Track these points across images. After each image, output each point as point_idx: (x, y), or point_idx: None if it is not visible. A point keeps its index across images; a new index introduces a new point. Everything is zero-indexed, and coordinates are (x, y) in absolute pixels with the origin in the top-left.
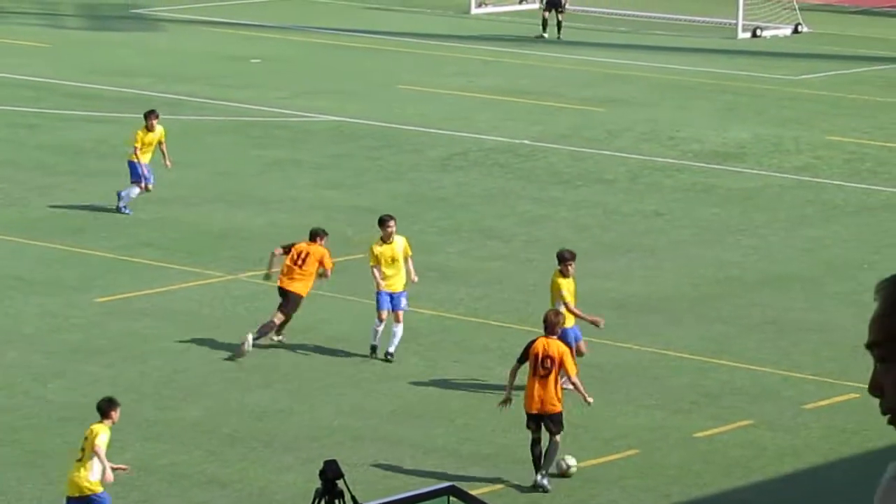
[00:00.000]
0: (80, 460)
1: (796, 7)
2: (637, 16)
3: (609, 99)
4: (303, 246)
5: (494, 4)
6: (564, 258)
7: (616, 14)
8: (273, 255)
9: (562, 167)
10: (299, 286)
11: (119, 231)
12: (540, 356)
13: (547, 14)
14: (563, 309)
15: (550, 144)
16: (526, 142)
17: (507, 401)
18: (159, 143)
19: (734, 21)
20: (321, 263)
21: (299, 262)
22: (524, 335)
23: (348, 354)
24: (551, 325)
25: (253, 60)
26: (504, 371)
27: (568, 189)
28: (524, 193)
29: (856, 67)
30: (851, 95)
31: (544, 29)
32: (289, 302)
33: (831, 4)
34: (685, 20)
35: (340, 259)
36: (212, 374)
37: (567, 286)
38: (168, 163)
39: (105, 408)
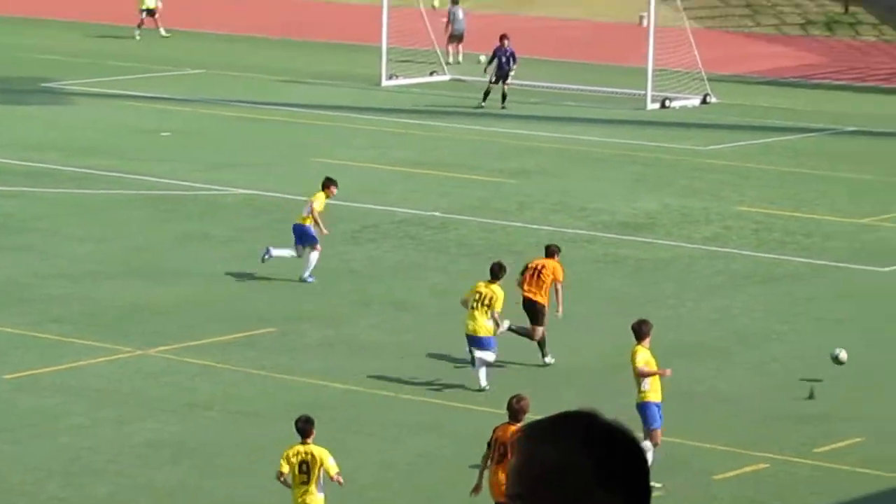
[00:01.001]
0: None
1: (704, 77)
2: (547, 87)
3: (520, 170)
4: (539, 261)
5: (405, 76)
6: (494, 271)
7: (527, 85)
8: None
9: (473, 239)
10: (540, 297)
11: (28, 307)
12: (500, 443)
13: (493, 85)
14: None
15: (461, 216)
16: (437, 214)
17: (477, 488)
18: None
19: (643, 92)
20: (554, 276)
21: (535, 276)
22: (437, 409)
23: (258, 428)
24: (514, 412)
25: (164, 134)
26: (416, 442)
27: (478, 261)
28: (435, 265)
29: (764, 137)
30: (760, 165)
31: (485, 98)
32: (536, 314)
33: (739, 75)
34: (595, 91)
35: (247, 334)
36: (121, 451)
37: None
38: (325, 230)
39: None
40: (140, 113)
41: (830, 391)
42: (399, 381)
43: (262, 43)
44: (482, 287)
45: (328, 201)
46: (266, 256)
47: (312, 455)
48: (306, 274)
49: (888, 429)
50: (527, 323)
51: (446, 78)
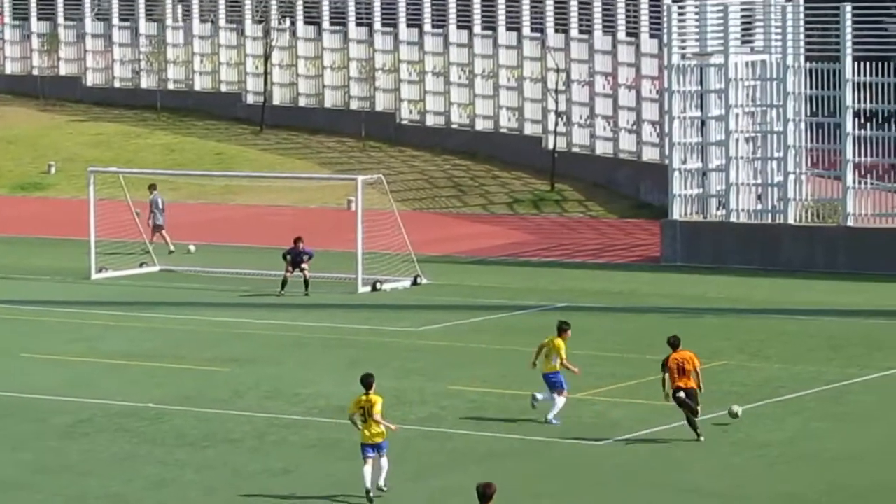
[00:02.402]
0: None
1: (414, 259)
2: (258, 274)
3: (232, 358)
4: (681, 353)
5: (115, 269)
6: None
7: (237, 273)
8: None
9: (187, 429)
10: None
11: None
12: None
13: (289, 274)
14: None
15: (175, 406)
16: (150, 405)
17: None
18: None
19: (354, 276)
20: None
21: (682, 368)
22: None
23: None
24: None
25: None
26: None
27: (194, 451)
28: (151, 457)
29: (475, 316)
30: (472, 344)
31: (283, 287)
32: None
33: (449, 255)
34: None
35: None
36: None
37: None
38: (576, 369)
39: None
40: None
41: None
42: None
43: None
44: None
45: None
46: (534, 403)
47: None
48: (551, 416)
49: None
50: None
51: (156, 269)
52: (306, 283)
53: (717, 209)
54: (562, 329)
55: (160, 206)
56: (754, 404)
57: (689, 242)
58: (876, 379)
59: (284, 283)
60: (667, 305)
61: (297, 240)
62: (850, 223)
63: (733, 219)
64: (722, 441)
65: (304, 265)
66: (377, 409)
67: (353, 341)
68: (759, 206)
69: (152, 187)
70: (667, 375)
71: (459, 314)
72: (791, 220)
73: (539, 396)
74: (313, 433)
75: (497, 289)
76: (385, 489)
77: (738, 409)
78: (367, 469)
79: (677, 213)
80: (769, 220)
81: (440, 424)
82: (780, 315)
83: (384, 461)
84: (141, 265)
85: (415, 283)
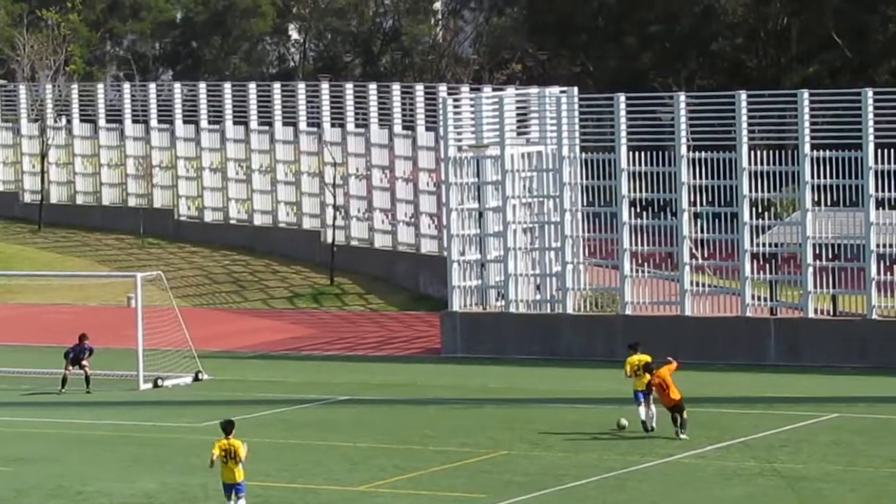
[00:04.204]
0: None
1: (195, 355)
2: (39, 373)
3: (14, 458)
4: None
5: None
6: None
7: (15, 372)
8: None
9: None
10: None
11: None
12: None
13: (69, 371)
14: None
15: None
16: None
17: None
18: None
19: (135, 373)
20: None
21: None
22: None
23: None
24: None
25: None
26: None
27: None
28: None
29: (258, 411)
30: (255, 438)
31: (63, 385)
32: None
33: (230, 351)
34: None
35: None
36: None
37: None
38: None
39: None
40: None
41: None
42: None
43: None
44: None
45: None
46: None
47: None
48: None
49: None
50: None
51: None
52: (87, 380)
53: (497, 300)
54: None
55: None
56: (537, 493)
57: (470, 333)
58: (655, 466)
59: (64, 381)
60: (449, 396)
61: (83, 337)
62: (628, 311)
63: (513, 309)
64: None
65: (84, 362)
66: (242, 452)
67: (135, 438)
68: (538, 297)
69: None
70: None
71: (242, 409)
72: (570, 310)
73: (624, 422)
74: None
75: (279, 383)
76: None
77: (625, 421)
78: None
79: (457, 304)
80: (548, 311)
81: None
82: (561, 404)
83: (242, 502)
84: None
85: (196, 378)
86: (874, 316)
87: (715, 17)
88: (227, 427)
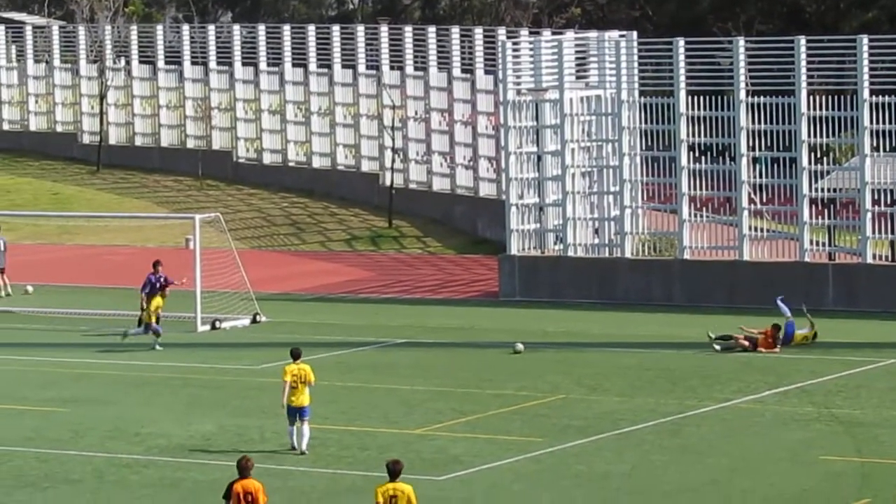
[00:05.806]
0: None
1: (253, 297)
2: (97, 314)
3: (72, 399)
4: None
5: None
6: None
7: (77, 313)
8: None
9: (27, 469)
10: None
11: None
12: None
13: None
14: None
15: (15, 448)
16: None
17: None
18: None
19: (192, 315)
20: None
21: None
22: None
23: None
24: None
25: None
26: None
27: (35, 492)
28: None
29: (315, 353)
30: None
31: (140, 325)
32: None
33: (288, 293)
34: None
35: None
36: None
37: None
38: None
39: None
40: None
41: None
42: None
43: None
44: None
45: None
46: None
47: None
48: None
49: None
50: None
51: None
52: (140, 321)
53: (555, 244)
54: None
55: (2, 248)
56: (594, 437)
57: (527, 277)
58: (712, 411)
59: (141, 322)
60: (506, 340)
61: (156, 263)
62: (686, 256)
63: (570, 253)
64: (562, 474)
65: (167, 290)
66: (311, 377)
67: (193, 380)
68: (596, 241)
69: None
70: None
71: None
72: (628, 254)
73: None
74: (154, 472)
75: (336, 326)
76: (305, 453)
77: (521, 346)
78: (292, 430)
79: (515, 248)
80: (606, 255)
81: (281, 462)
82: (618, 348)
83: (306, 427)
84: None
85: (254, 321)
86: None
87: None
88: (297, 353)
